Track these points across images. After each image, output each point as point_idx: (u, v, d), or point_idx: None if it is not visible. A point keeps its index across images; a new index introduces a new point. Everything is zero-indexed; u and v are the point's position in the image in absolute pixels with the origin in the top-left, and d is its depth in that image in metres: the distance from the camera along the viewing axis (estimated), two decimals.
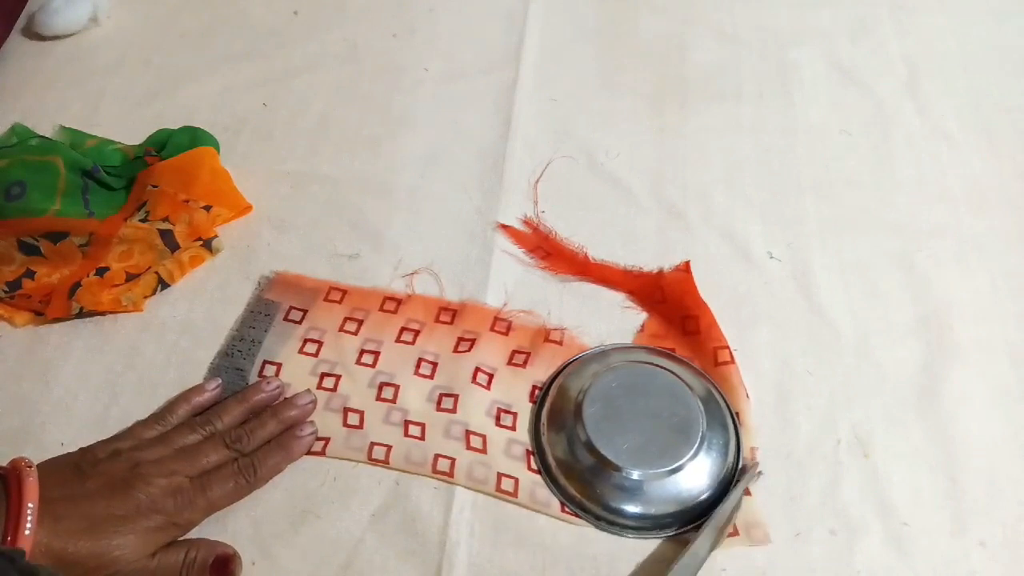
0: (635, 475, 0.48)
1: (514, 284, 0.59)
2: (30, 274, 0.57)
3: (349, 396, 0.53)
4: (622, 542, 0.48)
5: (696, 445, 0.49)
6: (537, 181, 0.64)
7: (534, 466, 0.51)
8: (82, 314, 0.56)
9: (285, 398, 0.52)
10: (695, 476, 0.49)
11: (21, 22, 0.76)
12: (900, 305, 0.58)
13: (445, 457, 0.51)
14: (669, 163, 0.66)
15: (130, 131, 0.66)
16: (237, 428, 0.50)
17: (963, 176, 0.65)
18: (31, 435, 0.52)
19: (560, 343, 0.56)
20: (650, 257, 0.60)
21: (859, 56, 0.72)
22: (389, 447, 0.51)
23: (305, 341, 0.56)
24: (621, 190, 0.64)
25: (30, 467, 0.41)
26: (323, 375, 0.54)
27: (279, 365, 0.55)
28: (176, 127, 0.65)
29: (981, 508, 0.49)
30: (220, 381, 0.53)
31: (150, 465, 0.45)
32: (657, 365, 0.53)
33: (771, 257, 0.60)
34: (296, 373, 0.54)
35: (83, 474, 0.44)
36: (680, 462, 0.49)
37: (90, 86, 0.71)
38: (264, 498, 0.50)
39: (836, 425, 0.52)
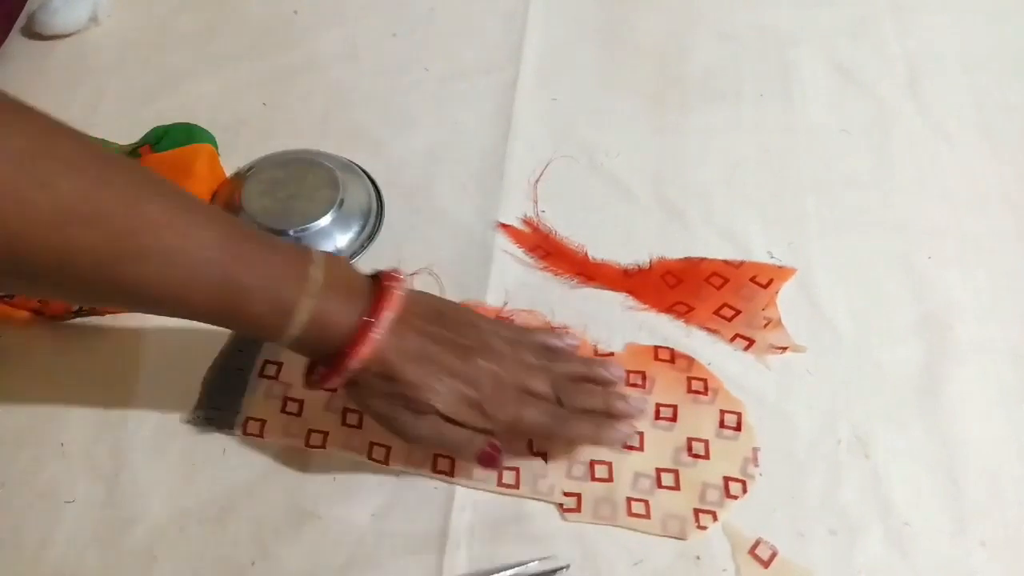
0: None
1: (514, 284, 0.59)
2: None
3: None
4: (621, 542, 0.48)
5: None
6: (537, 181, 0.64)
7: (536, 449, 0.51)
8: (81, 313, 0.56)
9: (619, 392, 0.51)
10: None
11: (21, 21, 0.76)
12: (900, 305, 0.58)
13: (444, 456, 0.50)
14: (669, 163, 0.65)
15: (130, 131, 0.66)
16: (568, 382, 0.49)
17: (963, 176, 0.64)
18: (31, 435, 0.52)
19: None
20: (650, 257, 0.60)
21: (859, 56, 0.72)
22: (388, 448, 0.51)
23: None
24: (621, 190, 0.64)
25: (405, 278, 0.45)
26: None
27: (280, 364, 0.55)
28: None
29: (982, 508, 0.49)
30: (579, 343, 0.53)
31: (493, 352, 0.47)
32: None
33: (771, 257, 0.60)
34: (297, 373, 0.54)
35: (442, 319, 0.46)
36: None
37: (90, 86, 0.71)
38: (264, 498, 0.50)
39: (836, 425, 0.52)
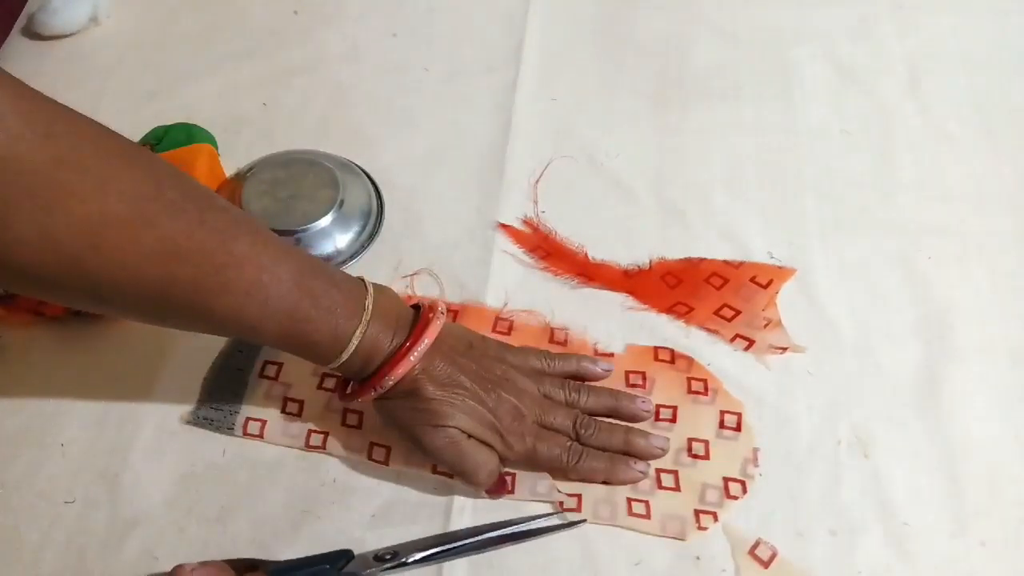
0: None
1: (514, 284, 0.59)
2: None
3: None
4: (621, 542, 0.48)
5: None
6: (537, 181, 0.64)
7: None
8: (82, 313, 0.56)
9: (641, 430, 0.52)
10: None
11: (21, 21, 0.76)
12: (900, 305, 0.58)
13: None
14: (669, 163, 0.65)
15: (130, 131, 0.65)
16: (591, 418, 0.51)
17: (964, 176, 0.64)
18: (31, 435, 0.52)
19: (564, 343, 0.56)
20: (650, 257, 0.60)
21: (859, 56, 0.72)
22: (388, 448, 0.51)
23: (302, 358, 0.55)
24: (621, 190, 0.64)
25: (444, 313, 0.48)
26: (323, 375, 0.54)
27: (280, 365, 0.55)
28: None
29: (981, 508, 0.49)
30: (612, 367, 0.54)
31: (515, 387, 0.49)
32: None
33: (771, 257, 0.60)
34: (297, 373, 0.54)
35: (471, 351, 0.49)
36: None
37: (90, 86, 0.71)
38: (264, 499, 0.50)
39: (836, 425, 0.52)
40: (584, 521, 0.48)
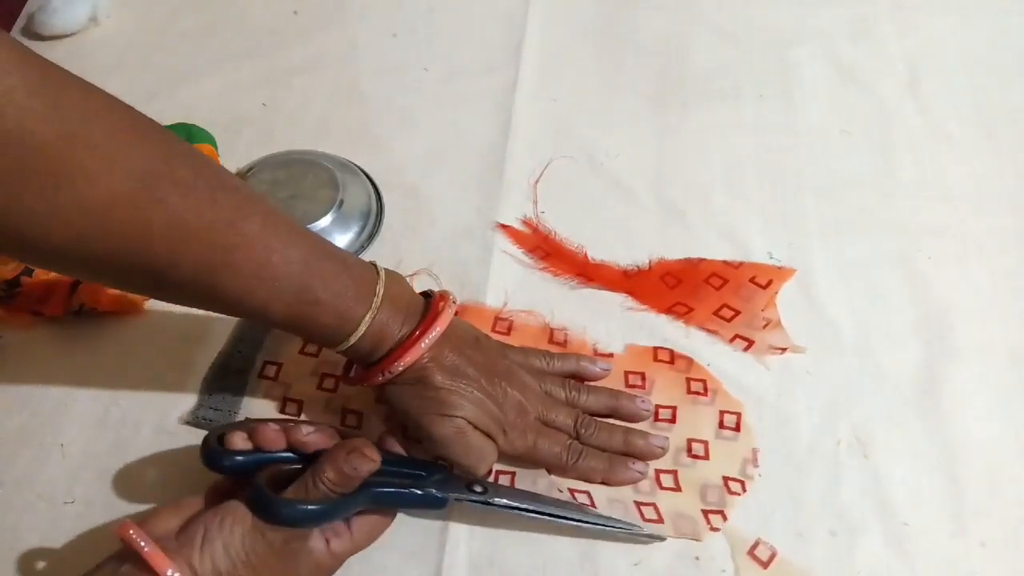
0: None
1: (514, 284, 0.59)
2: (28, 271, 0.57)
3: (350, 397, 0.53)
4: (620, 543, 0.48)
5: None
6: (537, 181, 0.64)
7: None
8: (82, 313, 0.56)
9: (641, 431, 0.52)
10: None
11: (21, 21, 0.76)
12: (900, 305, 0.58)
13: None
14: (669, 163, 0.66)
15: None
16: (592, 417, 0.51)
17: (964, 176, 0.65)
18: (31, 435, 0.52)
19: (563, 344, 0.56)
20: (649, 257, 0.60)
21: (859, 56, 0.72)
22: None
23: (306, 341, 0.56)
24: (621, 190, 0.64)
25: (455, 303, 0.48)
26: (323, 375, 0.54)
27: (280, 365, 0.55)
28: None
29: (981, 508, 0.49)
30: (610, 367, 0.54)
31: (520, 382, 0.49)
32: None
33: (771, 257, 0.60)
34: (297, 373, 0.54)
35: (478, 345, 0.49)
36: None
37: None
38: None
39: (836, 425, 0.52)
40: (662, 538, 0.48)
